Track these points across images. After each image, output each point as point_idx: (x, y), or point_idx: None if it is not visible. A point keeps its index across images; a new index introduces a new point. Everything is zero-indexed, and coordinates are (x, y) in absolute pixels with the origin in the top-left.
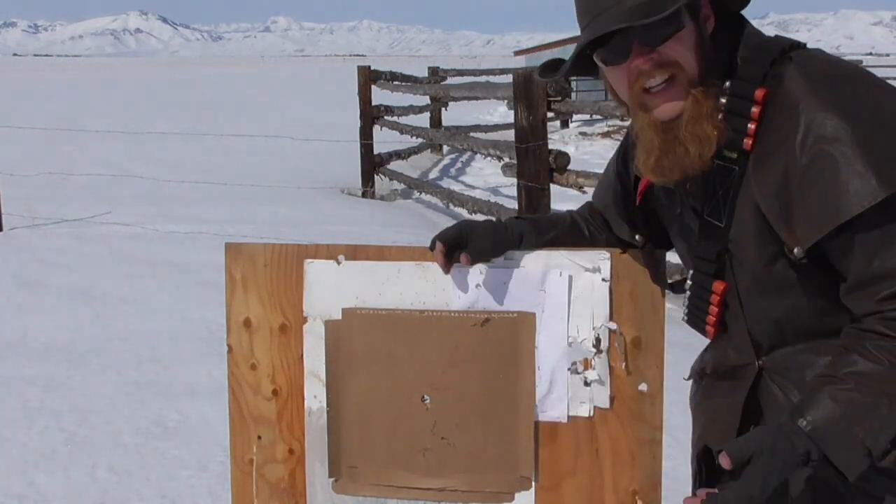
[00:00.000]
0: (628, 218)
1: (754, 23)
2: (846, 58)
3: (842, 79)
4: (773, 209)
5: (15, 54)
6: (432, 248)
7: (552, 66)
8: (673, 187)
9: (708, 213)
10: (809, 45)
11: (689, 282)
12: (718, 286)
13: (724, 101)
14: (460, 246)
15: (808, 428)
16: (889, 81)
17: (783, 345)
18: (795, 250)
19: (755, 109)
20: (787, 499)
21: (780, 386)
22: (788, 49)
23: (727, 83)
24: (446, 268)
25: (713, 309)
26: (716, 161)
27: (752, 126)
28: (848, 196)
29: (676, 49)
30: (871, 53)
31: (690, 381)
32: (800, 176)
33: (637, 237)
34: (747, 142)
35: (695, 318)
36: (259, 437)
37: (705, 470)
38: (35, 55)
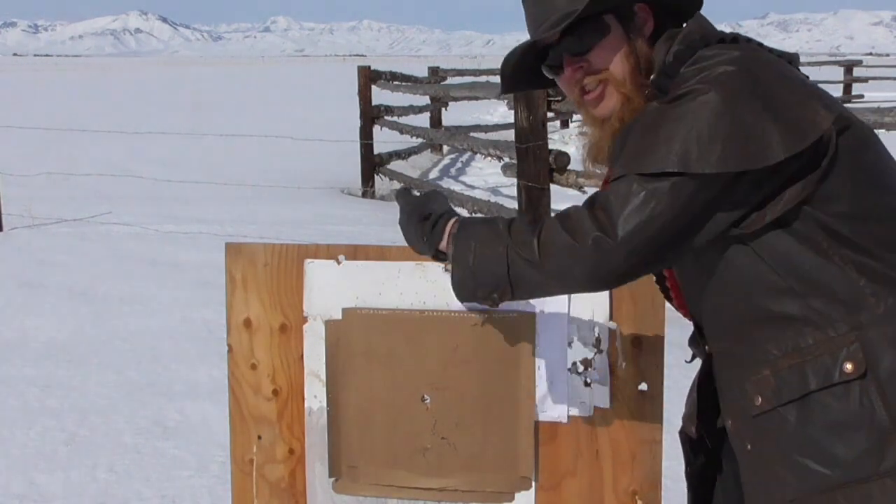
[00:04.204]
0: None
1: (754, 23)
2: (846, 57)
3: (723, 68)
4: (613, 152)
5: (15, 54)
6: None
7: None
8: None
9: None
10: (809, 45)
11: None
12: (667, 269)
13: (647, 93)
14: None
15: (456, 220)
16: (889, 81)
17: (719, 334)
18: (611, 184)
19: None
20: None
21: (722, 373)
22: (715, 44)
23: (651, 77)
24: None
25: (670, 292)
26: None
27: None
28: (653, 155)
29: (602, 55)
30: (871, 53)
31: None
32: (638, 125)
33: None
34: None
35: (667, 298)
36: (259, 437)
37: (689, 446)
38: (35, 55)
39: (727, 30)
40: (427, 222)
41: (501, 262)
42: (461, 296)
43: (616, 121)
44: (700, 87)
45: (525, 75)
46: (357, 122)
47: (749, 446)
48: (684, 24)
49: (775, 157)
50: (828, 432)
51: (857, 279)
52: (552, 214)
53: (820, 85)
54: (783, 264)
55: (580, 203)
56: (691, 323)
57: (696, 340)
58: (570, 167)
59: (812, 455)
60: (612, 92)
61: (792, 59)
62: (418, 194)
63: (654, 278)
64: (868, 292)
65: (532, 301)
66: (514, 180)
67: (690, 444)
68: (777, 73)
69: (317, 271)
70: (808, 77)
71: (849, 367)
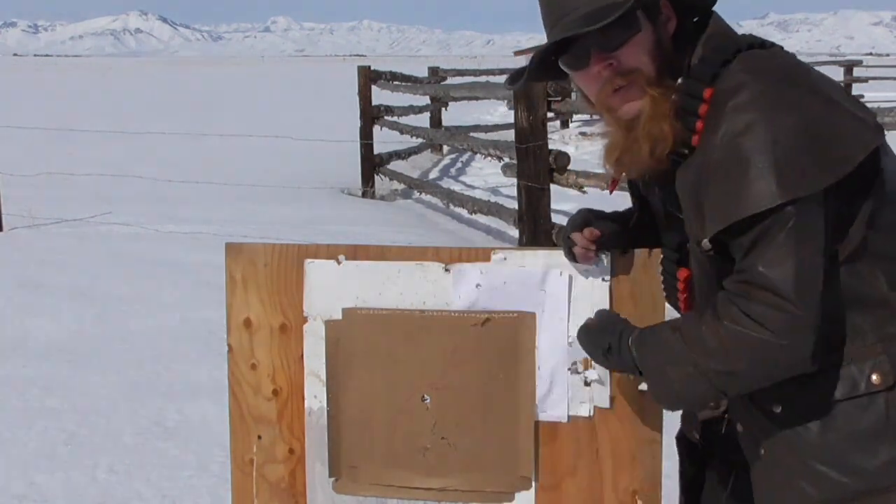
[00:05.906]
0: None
1: (754, 23)
2: (846, 57)
3: (777, 78)
4: (689, 202)
5: (15, 54)
6: (569, 243)
7: (519, 74)
8: (640, 181)
9: (669, 204)
10: (809, 45)
11: (660, 266)
12: (682, 273)
13: (674, 98)
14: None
15: (633, 341)
16: (889, 81)
17: None
18: (703, 242)
19: (703, 107)
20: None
21: None
22: (747, 48)
23: (679, 80)
24: (588, 254)
25: (680, 294)
26: (672, 157)
27: (699, 124)
28: (748, 196)
29: (633, 53)
30: (871, 53)
31: None
32: (712, 170)
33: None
34: (695, 138)
35: (670, 301)
36: (259, 437)
37: (687, 450)
38: (35, 55)
39: None
40: (611, 355)
41: (700, 381)
42: (672, 410)
43: (646, 123)
44: (759, 111)
45: (540, 67)
46: (357, 122)
47: (763, 452)
48: (695, 19)
49: (859, 156)
50: (850, 442)
51: (888, 292)
52: (713, 313)
53: None
54: None
55: (580, 203)
56: None
57: None
58: (570, 167)
59: (832, 464)
60: (641, 91)
61: None
62: (589, 326)
63: (663, 279)
64: None
65: (532, 301)
66: (514, 180)
67: (689, 449)
68: (817, 79)
69: (317, 271)
70: None
71: (875, 378)
